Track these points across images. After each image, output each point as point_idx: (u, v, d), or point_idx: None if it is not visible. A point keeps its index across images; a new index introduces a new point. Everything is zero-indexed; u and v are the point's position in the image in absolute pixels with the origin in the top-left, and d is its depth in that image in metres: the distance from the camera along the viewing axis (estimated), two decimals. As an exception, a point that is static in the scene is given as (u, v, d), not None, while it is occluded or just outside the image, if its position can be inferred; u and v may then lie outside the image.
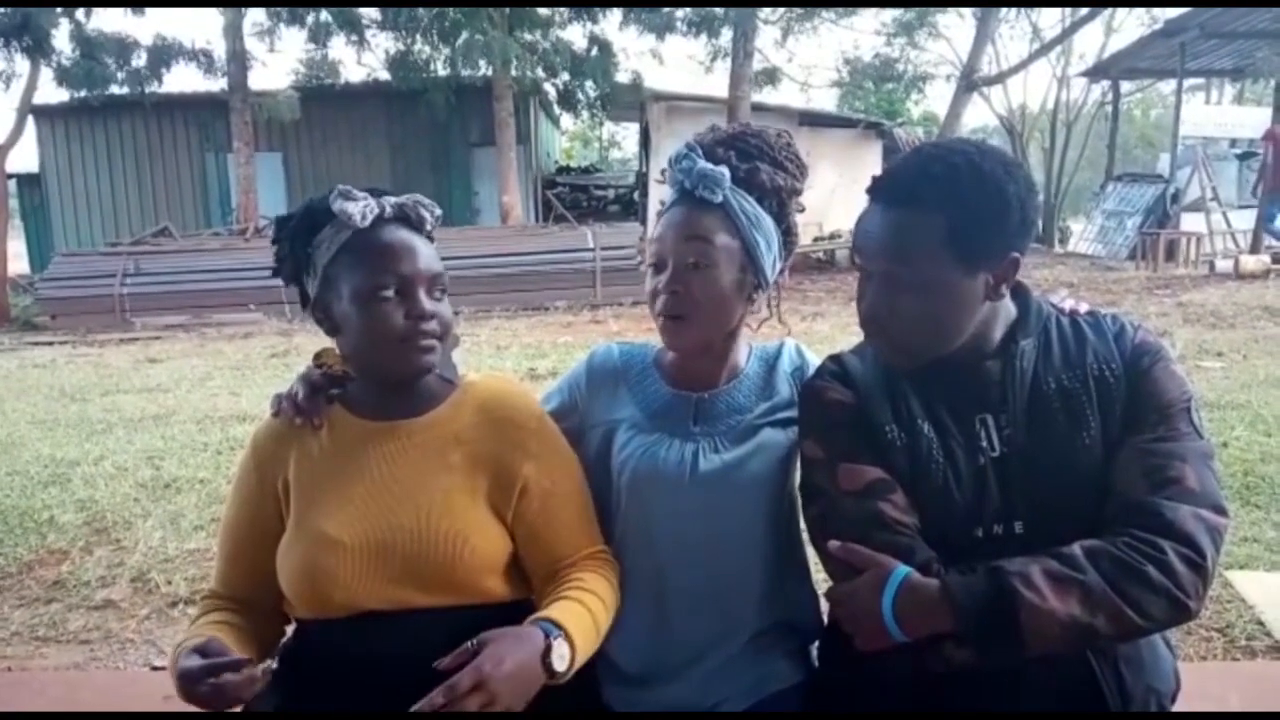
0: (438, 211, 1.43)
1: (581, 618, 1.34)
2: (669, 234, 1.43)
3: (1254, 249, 12.70)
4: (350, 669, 1.31)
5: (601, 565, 1.47)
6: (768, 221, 1.47)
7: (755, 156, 1.47)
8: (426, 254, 1.37)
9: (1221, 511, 1.20)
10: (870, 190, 1.30)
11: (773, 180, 1.47)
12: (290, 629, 1.48)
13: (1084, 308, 1.39)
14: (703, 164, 1.42)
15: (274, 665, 1.31)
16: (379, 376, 1.41)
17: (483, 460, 1.41)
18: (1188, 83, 16.39)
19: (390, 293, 1.33)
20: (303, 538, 1.36)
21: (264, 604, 1.45)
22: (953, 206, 1.21)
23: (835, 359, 1.42)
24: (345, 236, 1.35)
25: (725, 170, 1.42)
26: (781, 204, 1.49)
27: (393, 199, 1.38)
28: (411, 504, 1.36)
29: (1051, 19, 20.77)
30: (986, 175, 1.22)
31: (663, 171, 1.51)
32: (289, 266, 1.43)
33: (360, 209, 1.34)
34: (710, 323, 1.45)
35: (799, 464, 1.43)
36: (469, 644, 1.22)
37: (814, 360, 1.55)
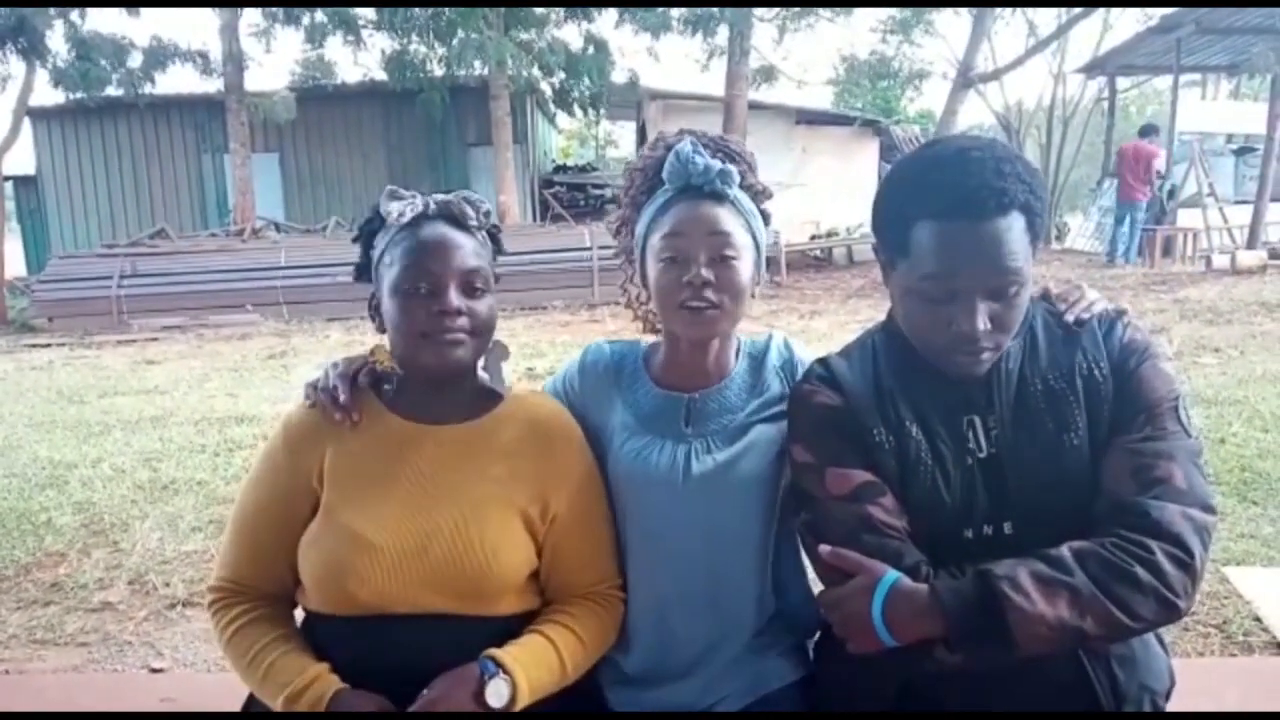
0: (485, 206, 1.44)
1: (541, 655, 1.35)
2: (690, 229, 1.43)
3: (1250, 244, 12.73)
4: (361, 669, 1.31)
5: (603, 603, 1.48)
6: (761, 218, 1.51)
7: (736, 160, 1.50)
8: (463, 250, 1.38)
9: (1210, 510, 1.20)
10: (946, 209, 1.20)
11: (757, 183, 1.52)
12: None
13: (1099, 307, 1.36)
14: (713, 160, 1.44)
15: None
16: (414, 372, 1.42)
17: (522, 478, 1.42)
18: (1183, 78, 16.39)
19: (423, 289, 1.35)
20: (334, 533, 1.35)
21: (280, 593, 1.44)
22: (1027, 200, 1.21)
23: (822, 362, 1.42)
24: (392, 235, 1.39)
25: (734, 168, 1.45)
26: (760, 206, 1.53)
27: (439, 197, 1.41)
28: (449, 510, 1.37)
29: (1048, 15, 20.78)
30: (1030, 164, 1.24)
31: (635, 170, 1.53)
32: (364, 269, 1.47)
33: (400, 206, 1.38)
34: (735, 311, 1.46)
35: (790, 468, 1.42)
36: (425, 691, 1.27)
37: (802, 354, 1.56)
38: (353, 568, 1.32)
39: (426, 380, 1.42)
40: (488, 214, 1.44)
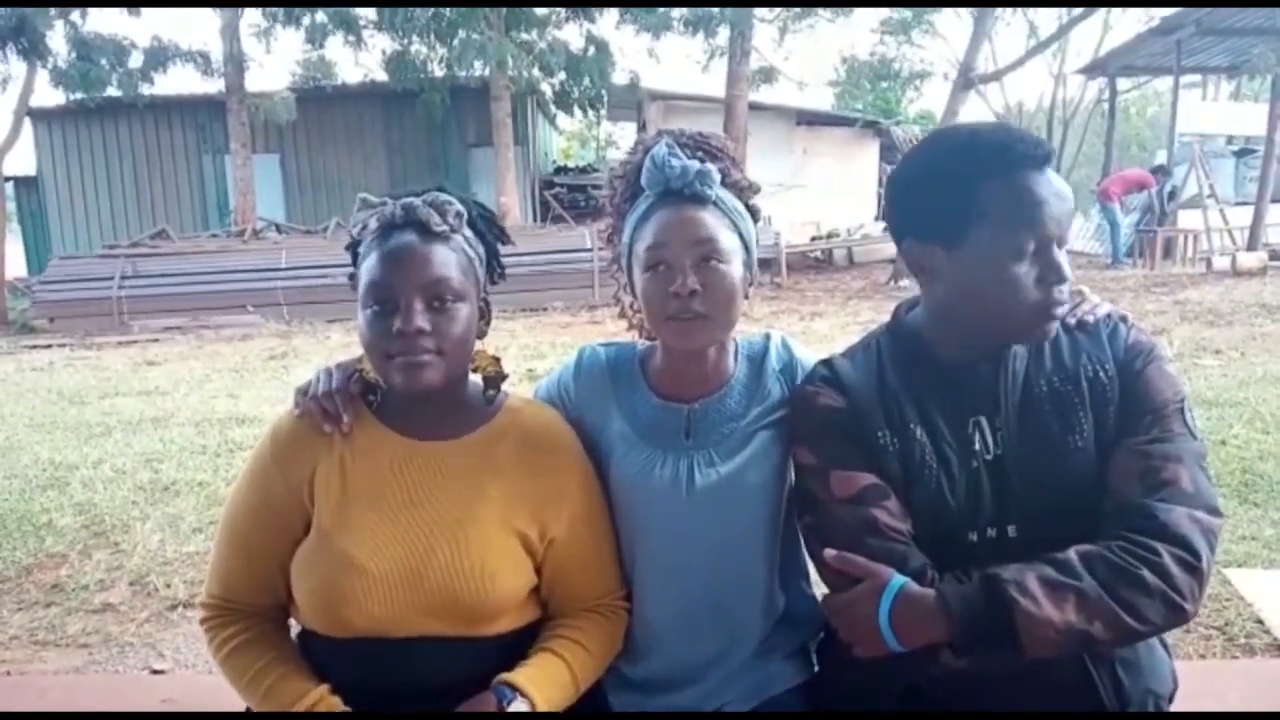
0: (453, 208, 1.33)
1: (554, 674, 1.34)
2: (673, 237, 1.37)
3: (1251, 246, 12.75)
4: (358, 689, 1.30)
5: (608, 614, 1.46)
6: (748, 217, 1.45)
7: (719, 157, 1.44)
8: (428, 261, 1.28)
9: (1215, 512, 1.20)
10: (1020, 161, 1.22)
11: (742, 179, 1.46)
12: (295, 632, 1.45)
13: (1103, 310, 1.37)
14: (691, 162, 1.38)
15: None
16: (392, 389, 1.36)
17: (519, 498, 1.37)
18: (1184, 80, 16.39)
19: (384, 307, 1.28)
20: (327, 556, 1.31)
21: (273, 607, 1.40)
22: None
23: (826, 363, 1.41)
24: (366, 245, 1.34)
25: (713, 167, 1.40)
26: (749, 204, 1.47)
27: (405, 201, 1.32)
28: (445, 534, 1.32)
29: (1049, 16, 20.81)
30: None
31: (617, 178, 1.49)
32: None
33: (367, 216, 1.33)
34: (727, 319, 1.41)
35: (794, 470, 1.41)
36: None
37: (802, 354, 1.52)
38: (346, 594, 1.29)
39: (410, 397, 1.35)
40: (459, 215, 1.34)
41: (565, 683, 1.35)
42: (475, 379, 1.44)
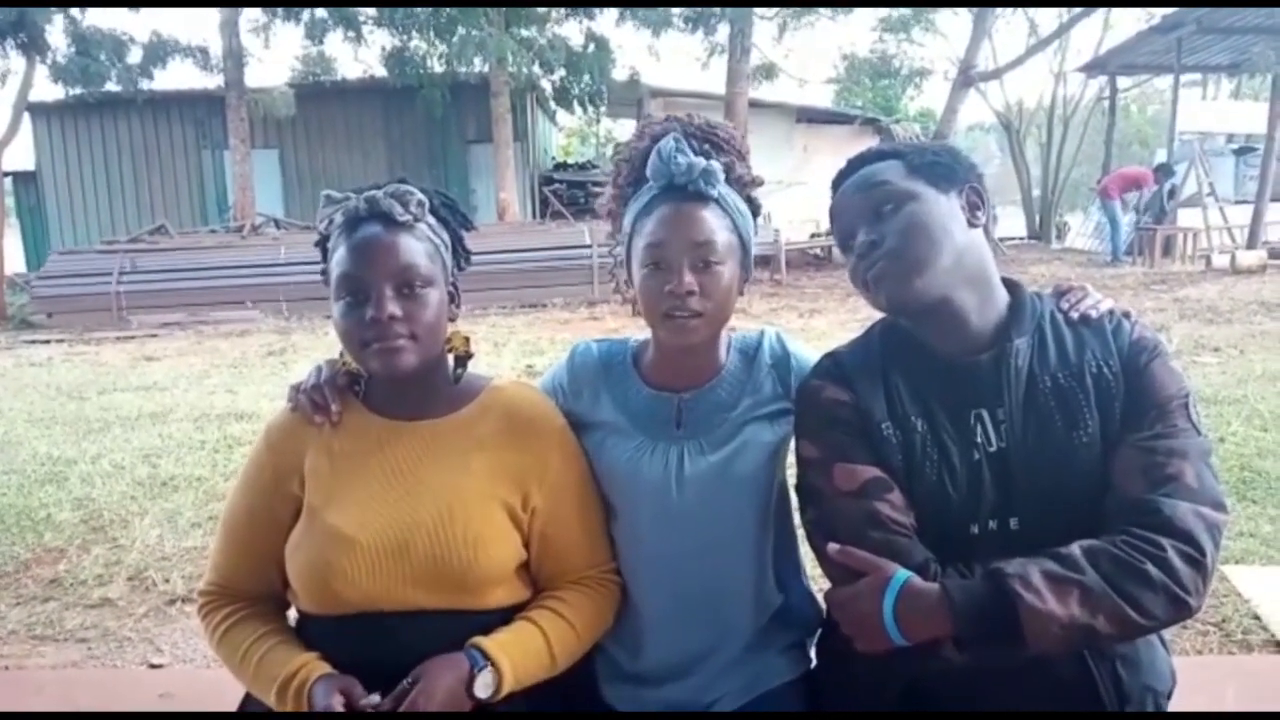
0: (415, 197, 1.36)
1: (529, 643, 1.35)
2: (672, 237, 1.38)
3: (1250, 244, 12.77)
4: (355, 667, 1.31)
5: (597, 586, 1.46)
6: (749, 214, 1.47)
7: (726, 150, 1.45)
8: (394, 250, 1.32)
9: (1221, 508, 1.20)
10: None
11: (746, 173, 1.47)
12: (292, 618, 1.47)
13: (1106, 306, 1.37)
14: (697, 159, 1.39)
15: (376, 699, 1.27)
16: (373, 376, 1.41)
17: (503, 469, 1.40)
18: (1184, 78, 16.39)
19: (356, 297, 1.32)
20: (316, 533, 1.35)
21: (269, 595, 1.43)
22: None
23: (831, 357, 1.41)
24: (333, 240, 1.38)
25: (718, 164, 1.40)
26: (750, 198, 1.49)
27: (369, 194, 1.36)
28: (430, 504, 1.35)
29: (1049, 15, 20.77)
30: None
31: (622, 161, 1.49)
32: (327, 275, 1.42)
33: (332, 211, 1.37)
34: (720, 316, 1.42)
35: (796, 465, 1.41)
36: (405, 682, 1.25)
37: (798, 350, 1.53)
38: (336, 567, 1.31)
39: (391, 381, 1.39)
40: (421, 204, 1.37)
41: (540, 652, 1.35)
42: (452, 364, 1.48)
